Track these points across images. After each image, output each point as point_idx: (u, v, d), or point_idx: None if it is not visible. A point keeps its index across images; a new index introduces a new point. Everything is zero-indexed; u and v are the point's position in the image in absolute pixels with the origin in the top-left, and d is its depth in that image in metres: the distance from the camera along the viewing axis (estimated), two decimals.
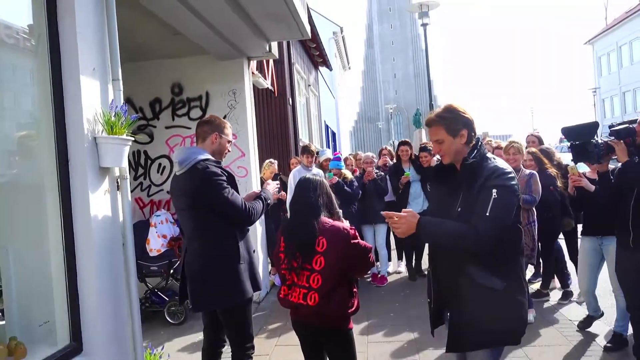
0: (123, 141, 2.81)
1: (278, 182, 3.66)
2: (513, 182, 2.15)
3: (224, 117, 4.16)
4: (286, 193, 6.27)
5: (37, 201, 2.66)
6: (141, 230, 5.26)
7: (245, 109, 5.95)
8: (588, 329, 4.31)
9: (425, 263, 6.47)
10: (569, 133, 3.58)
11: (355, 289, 2.67)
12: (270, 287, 6.46)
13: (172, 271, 5.32)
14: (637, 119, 3.42)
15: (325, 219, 2.58)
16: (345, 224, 2.65)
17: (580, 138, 3.49)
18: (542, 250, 5.07)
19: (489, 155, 2.28)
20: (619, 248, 3.50)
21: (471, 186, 2.14)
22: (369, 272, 6.55)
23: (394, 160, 7.21)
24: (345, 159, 7.02)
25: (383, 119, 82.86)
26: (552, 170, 5.04)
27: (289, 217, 2.80)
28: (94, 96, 2.74)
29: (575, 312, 4.86)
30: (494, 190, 2.08)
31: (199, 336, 4.37)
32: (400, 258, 7.17)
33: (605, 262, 4.12)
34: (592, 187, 3.83)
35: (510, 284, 2.14)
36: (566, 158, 5.23)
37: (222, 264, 2.91)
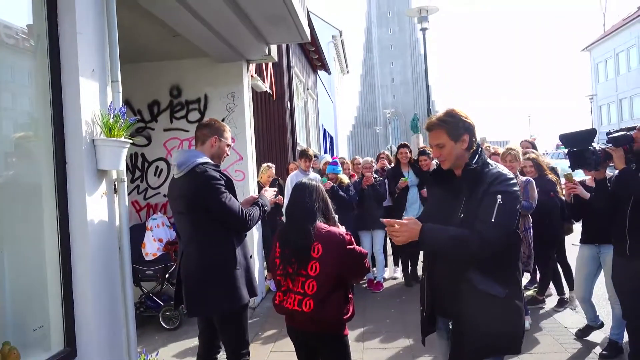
0: (121, 144, 2.80)
1: (275, 188, 3.65)
2: (515, 188, 2.14)
3: (222, 120, 4.13)
4: (283, 197, 6.26)
5: (34, 203, 2.64)
6: (137, 233, 5.22)
7: (243, 112, 5.94)
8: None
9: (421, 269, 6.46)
10: (567, 140, 3.58)
11: (350, 295, 2.65)
12: (266, 293, 6.43)
13: (167, 275, 5.29)
14: (634, 126, 3.43)
15: (321, 224, 2.57)
16: (342, 229, 2.64)
17: (577, 145, 3.49)
18: (540, 256, 5.07)
19: (489, 161, 2.28)
20: (616, 255, 3.51)
21: (474, 192, 2.13)
22: (365, 277, 6.54)
23: (392, 164, 7.20)
24: (343, 163, 7.00)
25: (381, 124, 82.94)
26: (552, 176, 5.06)
27: (285, 222, 2.79)
28: (93, 98, 2.72)
29: (571, 319, 4.86)
30: (499, 196, 2.07)
31: (194, 342, 4.35)
32: (396, 264, 7.16)
33: (602, 270, 4.13)
34: (587, 195, 3.84)
35: (511, 290, 2.13)
36: (564, 165, 5.24)
37: (218, 269, 2.89)
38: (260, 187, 6.24)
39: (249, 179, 5.98)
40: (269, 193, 3.36)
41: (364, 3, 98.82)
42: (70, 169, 2.61)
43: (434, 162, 6.10)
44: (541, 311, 5.13)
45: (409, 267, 6.70)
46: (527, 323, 4.51)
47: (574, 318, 4.88)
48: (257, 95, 8.97)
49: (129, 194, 4.28)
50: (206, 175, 2.86)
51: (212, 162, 3.00)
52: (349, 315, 2.58)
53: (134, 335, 2.96)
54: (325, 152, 18.45)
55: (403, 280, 6.72)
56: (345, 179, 6.33)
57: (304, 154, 6.39)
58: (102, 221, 2.75)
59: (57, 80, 2.58)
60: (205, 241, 2.91)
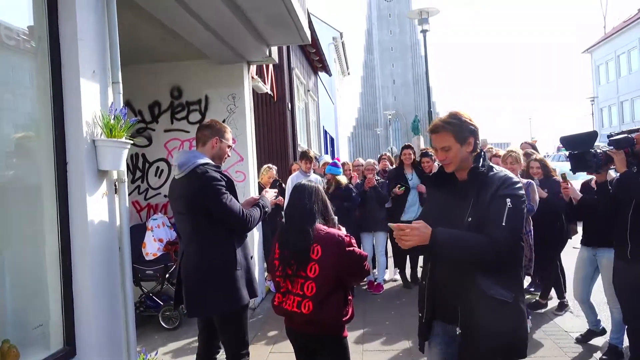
0: (122, 144, 2.80)
1: (276, 190, 3.65)
2: (522, 192, 2.14)
3: (223, 121, 4.13)
4: (284, 198, 6.26)
5: (34, 203, 2.64)
6: (137, 233, 5.23)
7: (244, 113, 5.94)
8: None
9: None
10: (568, 142, 3.58)
11: (350, 297, 2.65)
12: (266, 293, 6.43)
13: (167, 275, 5.30)
14: (636, 129, 3.42)
15: (320, 226, 2.56)
16: (342, 230, 2.63)
17: (578, 147, 3.49)
18: (545, 259, 5.06)
19: (492, 164, 2.27)
20: (617, 259, 3.50)
21: (481, 195, 2.12)
22: (365, 279, 6.53)
23: (395, 165, 7.19)
24: (343, 164, 6.99)
25: (381, 125, 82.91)
26: (558, 177, 5.06)
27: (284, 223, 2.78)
28: (94, 99, 2.73)
29: (571, 322, 4.85)
30: (508, 200, 2.06)
31: (194, 342, 4.35)
32: (397, 266, 7.16)
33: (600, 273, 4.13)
34: (579, 195, 3.86)
35: (516, 294, 2.13)
36: (565, 167, 5.24)
37: (218, 270, 2.89)
38: (261, 188, 6.25)
39: (249, 180, 5.98)
40: (270, 194, 3.36)
41: (364, 5, 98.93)
42: (71, 169, 2.61)
43: (436, 163, 6.10)
44: (541, 313, 5.13)
45: (409, 270, 6.69)
46: (528, 326, 4.51)
47: (574, 322, 4.87)
48: (257, 96, 8.98)
49: (129, 194, 4.29)
50: (207, 176, 2.86)
51: (213, 163, 3.00)
52: (348, 317, 2.58)
53: (133, 334, 2.96)
54: (326, 153, 18.45)
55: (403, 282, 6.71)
56: (343, 180, 6.31)
57: (305, 156, 6.39)
58: (102, 221, 2.75)
59: (58, 81, 2.59)
60: (205, 242, 2.92)
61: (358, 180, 6.67)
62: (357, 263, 2.56)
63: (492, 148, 6.51)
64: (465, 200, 2.16)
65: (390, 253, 7.24)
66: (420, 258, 5.90)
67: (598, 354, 4.01)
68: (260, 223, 3.50)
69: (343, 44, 27.59)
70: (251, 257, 3.12)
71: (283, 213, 3.34)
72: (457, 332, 2.15)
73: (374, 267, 6.57)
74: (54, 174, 2.59)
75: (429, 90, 15.02)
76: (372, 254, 6.57)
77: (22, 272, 2.60)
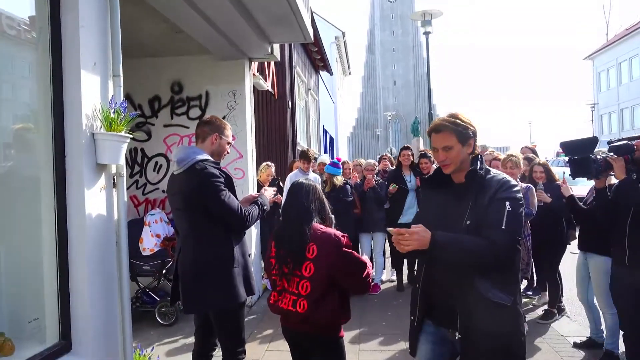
0: (121, 138, 2.79)
1: (275, 188, 3.64)
2: (520, 195, 2.13)
3: (223, 118, 4.13)
4: (282, 197, 6.24)
5: (32, 195, 2.63)
6: (135, 228, 5.21)
7: (244, 110, 5.93)
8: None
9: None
10: (568, 148, 3.58)
11: (347, 297, 2.63)
12: (263, 291, 6.42)
13: (164, 271, 5.28)
14: (637, 136, 3.42)
15: (317, 225, 2.54)
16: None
17: (578, 153, 3.48)
18: (548, 265, 5.06)
19: (489, 167, 2.27)
20: (615, 265, 3.51)
21: (479, 198, 2.11)
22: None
23: (394, 166, 7.18)
24: (344, 163, 6.97)
25: (381, 126, 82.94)
26: (560, 182, 5.06)
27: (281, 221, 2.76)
28: (94, 92, 2.71)
29: (567, 327, 4.85)
30: (507, 203, 2.05)
31: (190, 338, 4.34)
32: (394, 267, 7.15)
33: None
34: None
35: (515, 297, 2.12)
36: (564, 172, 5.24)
37: (215, 267, 2.88)
38: (259, 186, 6.23)
39: (248, 177, 5.97)
40: (269, 192, 3.35)
41: (367, 5, 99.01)
42: (69, 162, 2.60)
43: (434, 165, 6.09)
44: (535, 317, 5.12)
45: (407, 271, 6.69)
46: (525, 330, 4.51)
47: (571, 326, 4.87)
48: (258, 93, 8.97)
49: (127, 189, 4.27)
50: (205, 173, 2.85)
51: (212, 160, 2.99)
52: (344, 317, 2.57)
53: (129, 329, 2.95)
54: (325, 152, 18.44)
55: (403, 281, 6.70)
56: (338, 181, 6.28)
57: (304, 155, 6.38)
58: (100, 215, 2.73)
59: (58, 73, 2.57)
60: (203, 238, 2.90)
61: (358, 180, 6.66)
62: (353, 266, 2.51)
63: (493, 151, 6.52)
64: (463, 203, 2.14)
65: (387, 254, 7.23)
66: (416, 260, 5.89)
67: None
68: (258, 221, 3.50)
69: (345, 43, 27.58)
70: (249, 255, 3.11)
71: (280, 211, 3.34)
72: (457, 337, 2.14)
73: (372, 267, 6.55)
74: (53, 166, 2.57)
75: (430, 92, 15.03)
76: (370, 254, 6.55)
77: (18, 265, 2.59)
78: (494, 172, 2.21)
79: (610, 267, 3.59)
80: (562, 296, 5.28)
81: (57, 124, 2.57)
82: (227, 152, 3.20)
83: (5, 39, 2.49)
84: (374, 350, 4.43)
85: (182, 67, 5.96)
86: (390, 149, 33.16)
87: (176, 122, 6.02)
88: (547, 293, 5.46)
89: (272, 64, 8.22)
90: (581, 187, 4.48)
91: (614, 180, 3.59)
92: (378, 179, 6.61)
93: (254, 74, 6.49)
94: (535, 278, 5.85)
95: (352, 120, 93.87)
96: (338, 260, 2.46)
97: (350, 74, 34.55)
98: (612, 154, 3.39)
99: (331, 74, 19.93)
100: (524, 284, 5.87)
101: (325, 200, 2.70)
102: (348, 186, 6.39)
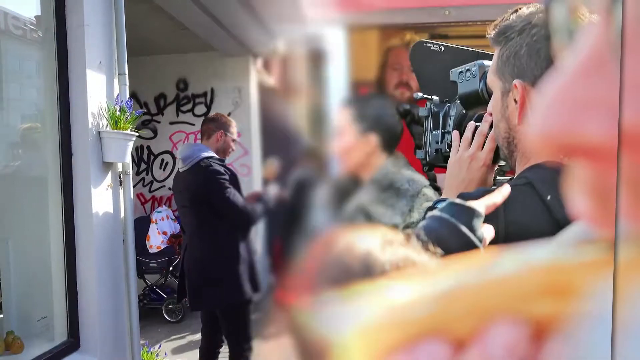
0: (127, 136, 2.79)
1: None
2: None
3: (229, 115, 4.12)
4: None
5: (39, 194, 2.64)
6: (141, 226, 5.23)
7: (250, 106, 5.92)
8: None
9: None
10: None
11: None
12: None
13: (171, 268, 5.30)
14: None
15: None
16: None
17: None
18: None
19: None
20: None
21: None
22: None
23: None
24: None
25: None
26: None
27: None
28: (100, 90, 2.72)
29: None
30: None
31: (197, 335, 4.35)
32: None
33: None
34: None
35: None
36: None
37: (221, 264, 2.89)
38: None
39: (253, 173, 5.96)
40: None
41: None
42: (75, 161, 2.60)
43: None
44: None
45: None
46: None
47: None
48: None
49: (134, 187, 4.28)
50: (210, 170, 2.85)
51: (217, 157, 2.98)
52: None
53: (136, 327, 2.97)
54: None
55: None
56: None
57: None
58: (107, 213, 2.74)
59: (64, 72, 2.57)
60: (208, 235, 2.91)
61: None
62: None
63: None
64: None
65: None
66: None
67: None
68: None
69: None
70: (255, 252, 3.11)
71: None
72: None
73: None
74: (59, 165, 2.58)
75: None
76: None
77: (26, 263, 2.61)
78: None
79: None
80: None
81: (63, 122, 2.57)
82: (233, 149, 3.19)
83: (11, 39, 2.50)
84: None
85: (186, 65, 5.95)
86: None
87: (182, 119, 6.02)
88: None
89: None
90: None
91: None
92: None
93: (259, 71, 6.48)
94: None
95: None
96: None
97: None
98: None
99: None
100: None
101: None
102: None
